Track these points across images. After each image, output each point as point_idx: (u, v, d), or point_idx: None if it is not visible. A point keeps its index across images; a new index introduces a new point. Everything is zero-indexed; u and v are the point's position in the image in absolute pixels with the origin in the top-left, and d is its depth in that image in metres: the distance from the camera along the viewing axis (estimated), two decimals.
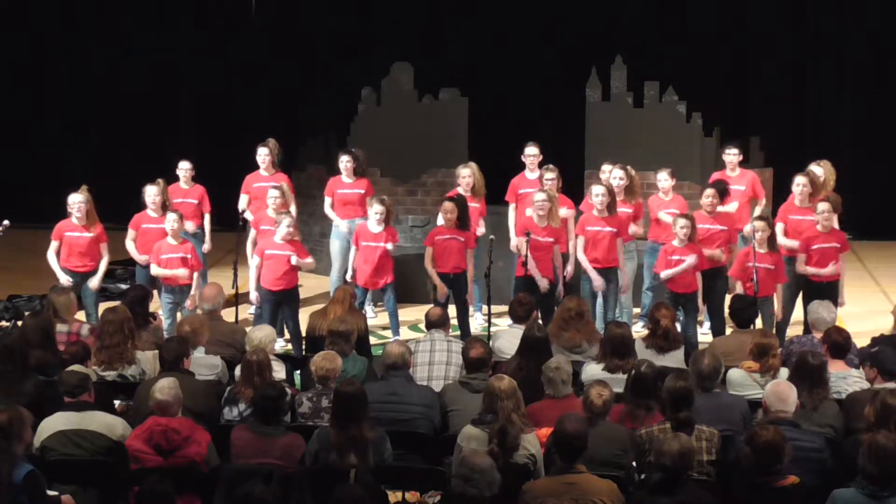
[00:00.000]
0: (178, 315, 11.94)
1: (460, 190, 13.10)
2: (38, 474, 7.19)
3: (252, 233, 12.82)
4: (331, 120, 16.88)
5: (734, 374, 9.15)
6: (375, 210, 12.41)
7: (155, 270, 12.06)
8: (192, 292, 11.89)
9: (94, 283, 12.26)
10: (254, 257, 12.20)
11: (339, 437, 7.75)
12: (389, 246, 12.37)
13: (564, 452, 7.21)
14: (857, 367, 9.22)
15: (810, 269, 11.75)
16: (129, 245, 12.61)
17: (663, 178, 13.00)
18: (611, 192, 12.22)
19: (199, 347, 9.67)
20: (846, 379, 9.01)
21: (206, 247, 13.49)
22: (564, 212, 12.62)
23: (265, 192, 12.83)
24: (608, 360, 9.26)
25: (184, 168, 13.61)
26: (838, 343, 9.19)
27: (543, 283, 11.90)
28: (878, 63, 18.38)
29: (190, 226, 13.03)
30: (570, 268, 12.43)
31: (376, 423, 8.05)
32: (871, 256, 16.78)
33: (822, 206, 11.83)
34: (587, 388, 8.06)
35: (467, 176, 13.18)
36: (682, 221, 11.67)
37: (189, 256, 12.10)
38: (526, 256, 11.81)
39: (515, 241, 12.50)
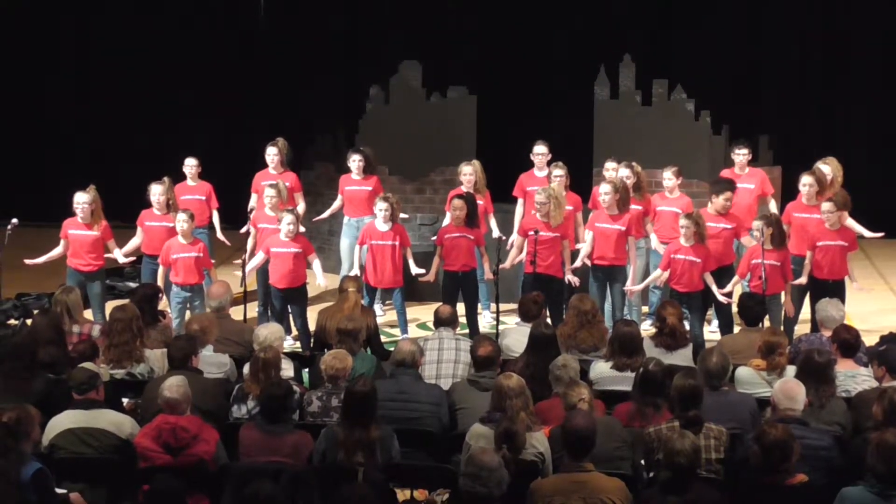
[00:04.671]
0: (188, 313, 11.95)
1: (463, 188, 13.13)
2: (46, 472, 7.21)
3: (252, 231, 12.83)
4: (339, 118, 16.90)
5: (742, 372, 9.14)
6: (380, 207, 12.42)
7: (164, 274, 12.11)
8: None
9: (119, 256, 12.41)
10: (259, 253, 12.20)
11: (348, 436, 7.75)
12: (414, 269, 12.44)
13: (574, 449, 7.19)
14: (867, 365, 9.21)
15: (803, 280, 11.78)
16: (134, 241, 12.67)
17: (667, 177, 13.00)
18: (618, 189, 12.21)
19: (207, 346, 9.68)
20: (855, 377, 8.99)
21: (223, 240, 13.53)
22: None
23: None
24: (616, 358, 9.25)
25: (190, 165, 13.65)
26: (848, 341, 9.17)
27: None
28: (887, 61, 18.35)
29: None
30: (577, 263, 12.38)
31: (384, 422, 8.05)
32: (879, 255, 16.76)
33: (826, 205, 11.82)
34: (565, 395, 8.04)
35: (469, 173, 13.23)
36: (683, 222, 11.65)
37: (201, 256, 12.11)
38: (534, 254, 11.81)
39: (514, 239, 12.51)
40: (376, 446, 7.74)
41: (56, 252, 12.36)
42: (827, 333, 9.74)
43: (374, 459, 7.69)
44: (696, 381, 7.92)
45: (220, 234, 13.65)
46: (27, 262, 12.39)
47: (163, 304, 11.46)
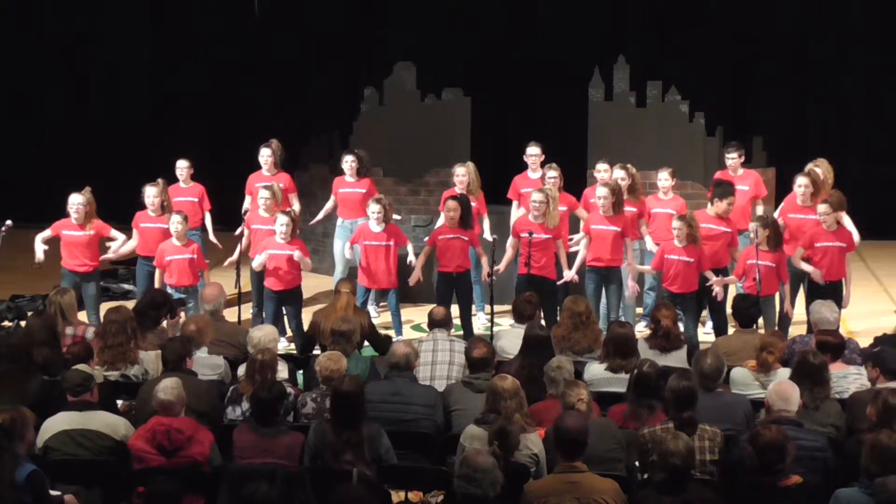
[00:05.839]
0: (182, 315, 11.94)
1: (456, 189, 13.15)
2: (40, 474, 7.19)
3: (246, 232, 12.84)
4: (334, 120, 16.89)
5: (737, 372, 9.15)
6: (372, 210, 12.42)
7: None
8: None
9: (108, 255, 12.47)
10: (258, 256, 12.18)
11: (338, 436, 7.74)
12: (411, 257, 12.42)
13: (566, 449, 7.20)
14: (853, 362, 9.23)
15: (806, 266, 11.76)
16: (130, 243, 12.68)
17: (664, 178, 13.01)
18: (614, 192, 12.22)
19: (202, 347, 9.68)
20: (846, 377, 9.01)
21: (215, 242, 13.53)
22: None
23: None
24: (611, 359, 9.25)
25: (181, 167, 13.65)
26: (831, 344, 9.12)
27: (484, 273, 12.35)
28: (881, 63, 18.37)
29: None
30: (572, 270, 12.41)
31: (378, 422, 8.04)
32: (874, 256, 16.77)
33: (822, 207, 11.83)
34: (564, 395, 8.04)
35: (462, 175, 13.27)
36: (676, 223, 11.66)
37: (195, 257, 12.11)
38: (528, 256, 11.82)
39: (511, 241, 12.54)
40: (364, 445, 7.73)
41: (43, 244, 12.36)
42: None
43: (364, 458, 7.68)
44: (690, 383, 7.92)
45: (212, 237, 13.65)
46: (36, 262, 12.38)
47: None
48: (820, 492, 7.24)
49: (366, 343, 10.50)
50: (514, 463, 7.54)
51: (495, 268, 12.06)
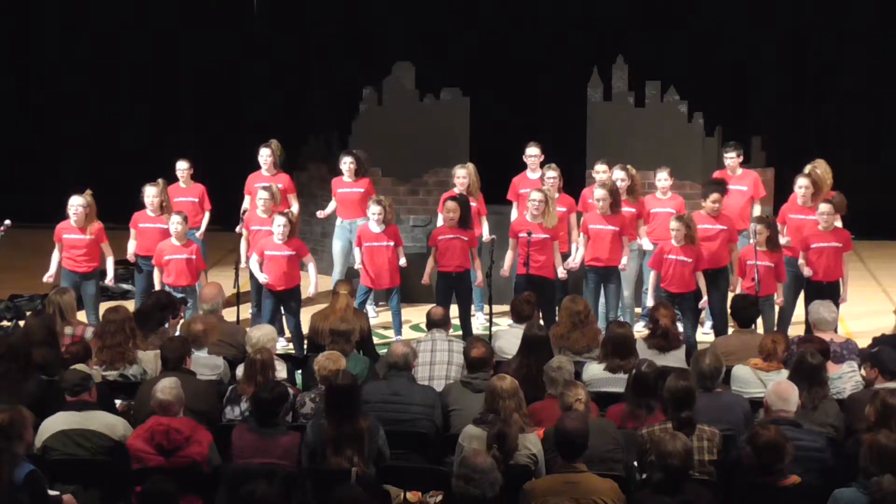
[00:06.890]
0: (183, 314, 11.93)
1: (456, 189, 13.14)
2: (39, 474, 7.20)
3: (245, 233, 12.83)
4: (332, 120, 16.88)
5: (739, 370, 9.16)
6: (372, 211, 12.42)
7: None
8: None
9: (108, 277, 12.43)
10: (253, 256, 12.16)
11: (335, 431, 7.74)
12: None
13: (566, 450, 7.22)
14: (843, 360, 9.24)
15: (807, 271, 11.77)
16: (131, 244, 12.67)
17: (663, 178, 13.00)
18: (612, 192, 12.22)
19: (203, 348, 9.67)
20: (841, 378, 9.03)
21: (199, 234, 13.48)
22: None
23: None
24: (610, 359, 9.26)
25: (181, 168, 13.63)
26: (819, 350, 9.10)
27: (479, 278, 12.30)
28: (878, 62, 18.36)
29: None
30: (576, 260, 12.44)
31: (375, 421, 8.05)
32: (872, 256, 16.77)
33: (823, 206, 11.83)
34: (562, 395, 8.04)
35: (462, 176, 13.24)
36: (674, 224, 11.66)
37: (194, 258, 12.11)
38: (527, 256, 11.83)
39: (511, 243, 12.54)
40: (364, 439, 7.74)
41: (57, 257, 12.33)
42: (820, 335, 9.74)
43: (363, 453, 7.68)
44: (688, 383, 7.92)
45: (200, 233, 13.51)
46: (46, 278, 12.36)
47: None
48: (818, 492, 7.24)
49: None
50: (514, 464, 7.55)
51: (502, 270, 12.08)
